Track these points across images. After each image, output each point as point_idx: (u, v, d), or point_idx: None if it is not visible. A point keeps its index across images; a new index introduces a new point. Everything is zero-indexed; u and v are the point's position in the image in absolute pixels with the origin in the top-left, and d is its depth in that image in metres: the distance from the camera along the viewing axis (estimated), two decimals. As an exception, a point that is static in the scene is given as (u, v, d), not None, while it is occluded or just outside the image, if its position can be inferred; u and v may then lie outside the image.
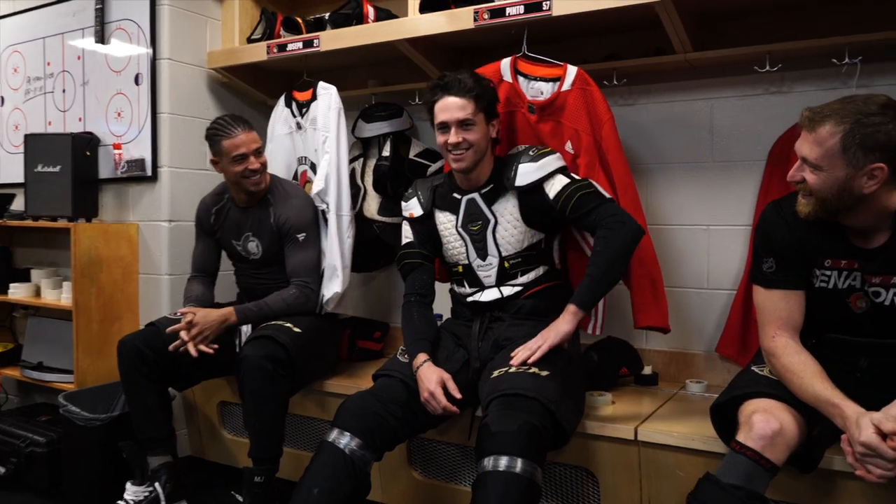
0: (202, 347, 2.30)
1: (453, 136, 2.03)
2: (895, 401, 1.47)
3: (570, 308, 1.94)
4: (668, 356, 2.54)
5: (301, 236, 2.51)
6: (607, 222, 1.96)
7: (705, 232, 2.48)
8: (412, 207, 2.23)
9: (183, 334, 2.29)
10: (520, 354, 1.90)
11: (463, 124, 2.03)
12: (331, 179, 2.58)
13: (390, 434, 1.96)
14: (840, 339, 1.71)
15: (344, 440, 1.89)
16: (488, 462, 1.69)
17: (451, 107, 2.03)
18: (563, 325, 1.93)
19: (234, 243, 2.61)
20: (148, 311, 2.91)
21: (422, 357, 2.02)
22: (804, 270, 1.70)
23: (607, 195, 2.05)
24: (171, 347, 2.29)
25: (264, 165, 2.48)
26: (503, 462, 1.67)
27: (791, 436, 1.53)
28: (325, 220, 2.60)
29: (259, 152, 2.46)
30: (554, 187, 2.05)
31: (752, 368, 1.77)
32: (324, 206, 2.59)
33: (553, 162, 2.08)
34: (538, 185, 2.06)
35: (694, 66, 2.37)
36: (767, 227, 1.73)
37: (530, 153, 2.09)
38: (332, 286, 2.56)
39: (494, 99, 2.11)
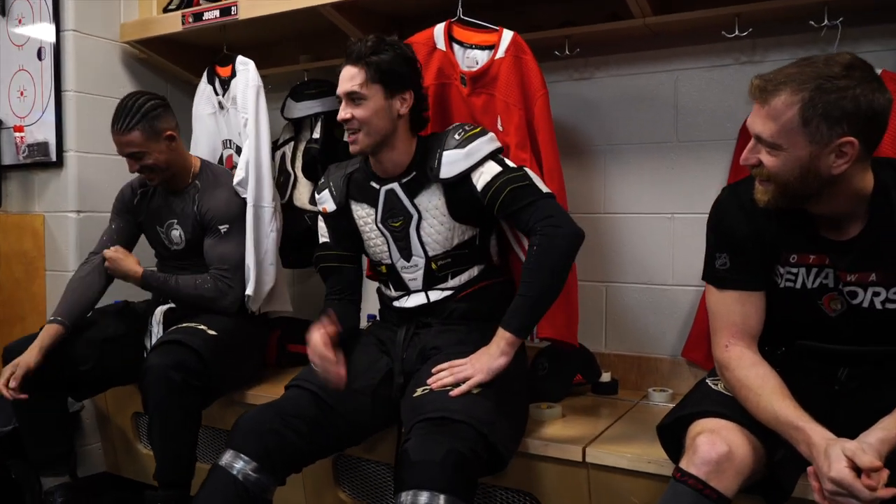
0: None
1: (342, 111, 1.74)
2: (874, 427, 1.23)
3: (505, 337, 1.64)
4: (628, 361, 2.29)
5: (223, 228, 2.23)
6: (542, 227, 1.66)
7: (669, 221, 2.23)
8: (325, 201, 1.93)
9: None
10: (441, 378, 1.63)
11: (351, 97, 1.73)
12: (250, 167, 2.29)
13: (292, 454, 1.68)
14: (814, 346, 1.46)
15: (238, 464, 1.62)
16: (406, 498, 1.42)
17: (343, 77, 1.74)
18: (495, 360, 1.63)
19: (158, 230, 2.34)
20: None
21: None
22: (764, 268, 1.45)
23: (545, 189, 1.74)
24: None
25: (149, 168, 2.18)
26: (423, 499, 1.41)
27: (743, 461, 1.29)
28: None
29: (136, 156, 2.15)
30: (483, 177, 1.75)
31: (707, 381, 1.53)
32: (245, 196, 2.31)
33: (484, 145, 1.77)
34: (466, 175, 1.76)
35: (655, 31, 2.11)
36: (721, 217, 1.48)
37: (456, 136, 1.78)
38: (248, 287, 2.27)
39: (401, 68, 1.75)
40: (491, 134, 1.80)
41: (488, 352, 1.65)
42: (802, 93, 1.23)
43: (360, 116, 1.72)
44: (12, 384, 2.01)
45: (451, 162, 1.75)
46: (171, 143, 2.19)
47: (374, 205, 1.86)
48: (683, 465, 1.31)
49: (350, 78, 1.72)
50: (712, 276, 1.49)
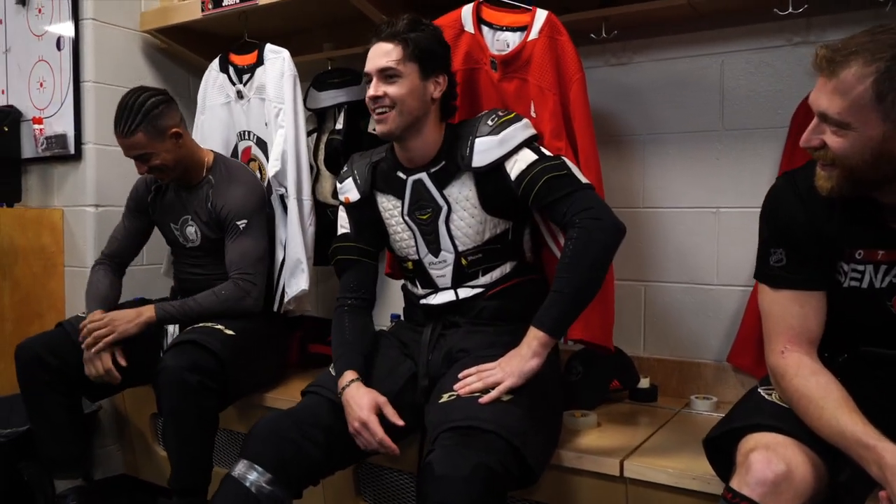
0: (113, 364, 1.97)
1: (372, 89, 1.62)
2: None
3: (538, 337, 1.51)
4: (669, 366, 2.14)
5: (242, 223, 2.13)
6: (581, 220, 1.54)
7: (714, 215, 2.08)
8: (348, 190, 1.82)
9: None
10: (469, 384, 1.51)
11: (385, 74, 1.61)
12: (288, 158, 2.22)
13: (309, 465, 1.58)
14: (881, 353, 1.32)
15: (251, 476, 1.52)
16: None
17: (376, 53, 1.62)
18: (527, 362, 1.50)
19: (172, 227, 2.26)
20: (74, 308, 2.56)
21: (349, 376, 1.62)
22: (826, 265, 1.30)
23: (584, 180, 1.62)
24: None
25: (158, 168, 2.09)
26: None
27: (803, 481, 1.16)
28: (285, 207, 2.24)
29: (143, 158, 2.06)
30: (517, 165, 1.63)
31: (759, 391, 1.39)
32: (282, 191, 2.23)
33: (518, 132, 1.65)
34: (500, 164, 1.64)
35: (700, 12, 1.96)
36: (777, 207, 1.34)
37: (489, 122, 1.66)
38: (298, 282, 2.21)
39: (438, 49, 1.66)
40: (526, 120, 1.68)
41: (519, 353, 1.53)
42: (877, 63, 1.09)
43: (394, 94, 1.61)
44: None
45: (484, 150, 1.63)
46: (177, 140, 2.09)
47: (400, 196, 1.74)
48: (735, 484, 1.18)
49: (385, 53, 1.61)
50: (766, 274, 1.35)
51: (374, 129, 2.40)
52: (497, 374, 1.50)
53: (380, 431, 1.52)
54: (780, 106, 1.96)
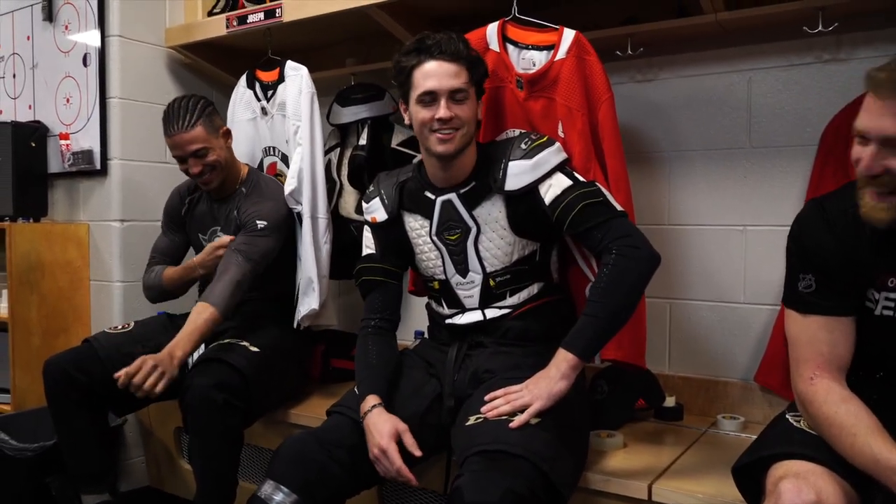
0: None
1: (444, 110, 1.59)
2: None
3: (568, 359, 1.50)
4: (696, 385, 2.12)
5: (261, 223, 2.13)
6: (619, 248, 1.54)
7: (741, 234, 2.05)
8: (374, 210, 1.81)
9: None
10: (497, 406, 1.50)
11: (455, 96, 1.61)
12: (304, 176, 2.21)
13: (335, 486, 1.58)
14: None
15: (278, 497, 1.53)
16: None
17: (440, 72, 1.60)
18: (555, 384, 1.49)
19: (201, 237, 2.27)
20: (100, 322, 2.59)
21: (371, 400, 1.62)
22: (855, 290, 1.28)
23: (619, 207, 1.61)
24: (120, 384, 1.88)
25: (211, 166, 2.11)
26: None
27: None
28: (300, 224, 2.24)
29: (201, 154, 2.08)
30: (552, 190, 1.63)
31: (787, 417, 1.37)
32: (298, 208, 2.23)
33: (552, 157, 1.65)
34: (533, 188, 1.64)
35: (727, 29, 1.94)
36: (806, 234, 1.32)
37: (522, 146, 1.66)
38: (309, 301, 2.20)
39: (486, 72, 1.71)
40: (558, 144, 1.68)
41: (548, 375, 1.51)
42: None
43: (464, 116, 1.62)
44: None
45: (518, 173, 1.63)
46: (227, 139, 2.16)
47: (428, 216, 1.74)
48: None
49: (454, 74, 1.60)
50: (795, 299, 1.34)
51: (397, 145, 2.44)
52: (525, 397, 1.49)
53: (398, 460, 1.52)
54: (809, 124, 1.94)
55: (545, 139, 1.68)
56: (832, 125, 1.88)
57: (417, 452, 1.54)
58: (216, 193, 2.22)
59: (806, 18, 1.80)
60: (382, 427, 1.55)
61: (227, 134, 2.17)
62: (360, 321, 1.82)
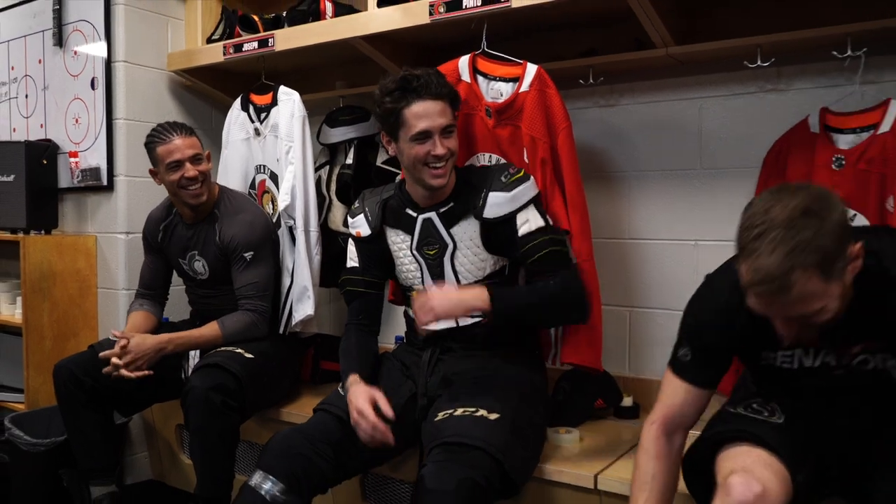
0: (137, 373, 2.13)
1: (440, 148, 1.76)
2: None
3: (483, 299, 1.71)
4: (651, 385, 2.26)
5: (248, 255, 2.30)
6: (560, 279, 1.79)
7: (693, 248, 2.22)
8: (359, 225, 1.99)
9: (115, 360, 2.12)
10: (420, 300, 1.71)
11: (447, 131, 1.78)
12: (297, 193, 2.39)
13: (319, 477, 1.76)
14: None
15: (267, 485, 1.70)
16: None
17: (431, 112, 1.75)
18: (457, 307, 1.72)
19: (181, 262, 2.43)
20: (107, 327, 2.76)
21: (353, 379, 1.82)
22: (728, 362, 1.49)
23: (574, 259, 1.85)
24: (104, 371, 2.14)
25: (204, 174, 2.27)
26: None
27: (777, 497, 1.30)
28: (293, 238, 2.42)
29: (197, 159, 2.25)
30: (527, 225, 1.81)
31: (726, 408, 1.54)
32: (291, 223, 2.41)
33: (528, 191, 1.82)
34: (510, 217, 1.82)
35: (679, 61, 2.11)
36: (692, 312, 1.51)
37: (502, 178, 1.82)
38: (304, 308, 2.38)
39: (460, 102, 1.90)
40: (532, 179, 1.85)
41: (460, 296, 1.72)
42: (809, 266, 1.17)
43: (453, 147, 1.80)
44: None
45: (497, 204, 1.80)
46: (209, 161, 2.33)
47: (409, 232, 1.91)
48: None
49: (442, 112, 1.76)
50: (672, 360, 1.52)
51: (381, 163, 2.61)
52: (433, 301, 1.69)
53: (372, 416, 1.70)
54: (753, 147, 2.08)
55: (522, 174, 1.84)
56: (773, 149, 2.01)
57: (390, 412, 1.72)
58: (192, 217, 2.36)
59: (747, 53, 1.96)
60: (360, 394, 1.75)
61: (209, 157, 2.32)
62: (346, 322, 2.01)
